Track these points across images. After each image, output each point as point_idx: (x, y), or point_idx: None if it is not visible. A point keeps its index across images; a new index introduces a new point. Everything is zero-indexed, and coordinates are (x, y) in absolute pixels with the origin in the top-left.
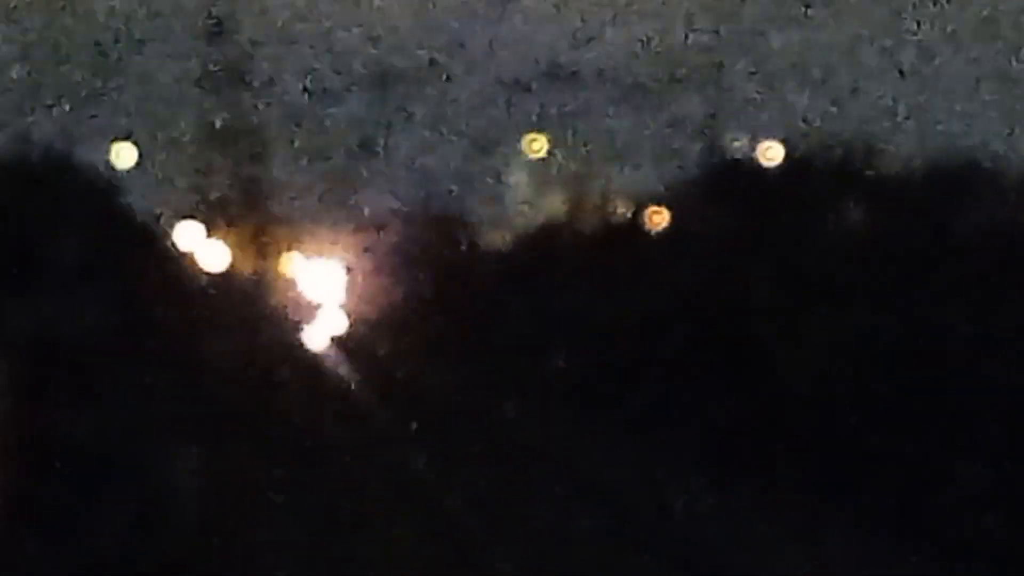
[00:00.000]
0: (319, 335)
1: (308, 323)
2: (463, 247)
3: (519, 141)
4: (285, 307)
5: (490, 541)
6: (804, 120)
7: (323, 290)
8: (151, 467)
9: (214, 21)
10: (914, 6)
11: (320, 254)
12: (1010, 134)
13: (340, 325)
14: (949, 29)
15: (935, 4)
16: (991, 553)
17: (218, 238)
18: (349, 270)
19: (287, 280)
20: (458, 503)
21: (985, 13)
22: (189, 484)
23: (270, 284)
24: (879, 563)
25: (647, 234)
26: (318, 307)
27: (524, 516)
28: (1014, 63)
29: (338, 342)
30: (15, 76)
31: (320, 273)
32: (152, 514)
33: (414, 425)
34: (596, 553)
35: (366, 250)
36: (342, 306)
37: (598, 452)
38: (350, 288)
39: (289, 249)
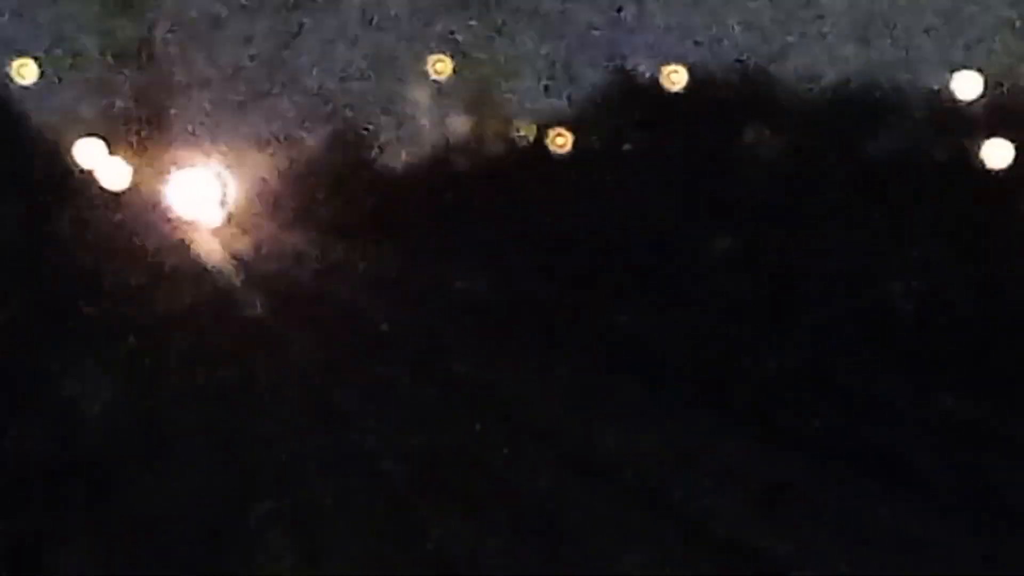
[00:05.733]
0: (218, 253)
1: (207, 241)
2: (365, 167)
3: (423, 62)
4: (184, 224)
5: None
6: (709, 44)
7: (223, 208)
8: (57, 384)
9: None
10: None
11: (221, 172)
12: (912, 60)
13: (240, 243)
14: None
15: None
16: (914, 467)
17: (120, 156)
18: (250, 188)
19: (186, 197)
20: (371, 433)
21: None
22: (97, 399)
23: (170, 201)
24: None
25: (551, 156)
26: (217, 225)
27: (432, 440)
28: None
29: (238, 260)
30: None
31: (220, 191)
32: (61, 431)
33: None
34: (510, 475)
35: (267, 168)
36: (242, 224)
37: (506, 376)
38: (250, 206)
39: (190, 166)
